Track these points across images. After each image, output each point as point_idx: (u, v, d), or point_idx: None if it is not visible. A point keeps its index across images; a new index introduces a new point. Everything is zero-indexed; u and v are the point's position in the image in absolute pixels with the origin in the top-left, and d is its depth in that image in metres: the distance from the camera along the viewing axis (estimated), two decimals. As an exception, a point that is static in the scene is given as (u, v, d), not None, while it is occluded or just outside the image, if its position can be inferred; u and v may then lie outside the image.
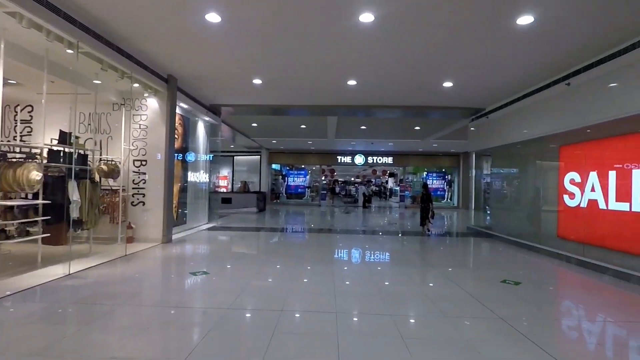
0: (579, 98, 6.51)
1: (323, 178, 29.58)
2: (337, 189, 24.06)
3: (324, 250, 7.78)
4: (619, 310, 4.33)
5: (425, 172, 23.91)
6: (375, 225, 13.51)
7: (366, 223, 14.03)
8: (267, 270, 5.75)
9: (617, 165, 6.02)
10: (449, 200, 23.54)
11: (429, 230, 10.34)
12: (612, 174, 6.14)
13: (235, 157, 22.64)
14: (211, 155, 11.16)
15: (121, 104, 7.80)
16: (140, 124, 7.94)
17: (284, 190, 23.94)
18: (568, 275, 6.11)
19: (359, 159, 22.49)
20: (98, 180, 6.90)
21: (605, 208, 6.27)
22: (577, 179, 6.96)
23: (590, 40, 5.38)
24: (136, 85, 7.14)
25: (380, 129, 14.72)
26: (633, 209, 5.68)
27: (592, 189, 6.57)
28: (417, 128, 13.97)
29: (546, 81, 7.32)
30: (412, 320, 3.80)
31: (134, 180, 7.83)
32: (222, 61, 6.89)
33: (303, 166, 28.05)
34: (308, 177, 23.65)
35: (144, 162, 7.88)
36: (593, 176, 6.56)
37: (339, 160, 22.73)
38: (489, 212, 18.06)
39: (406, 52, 6.16)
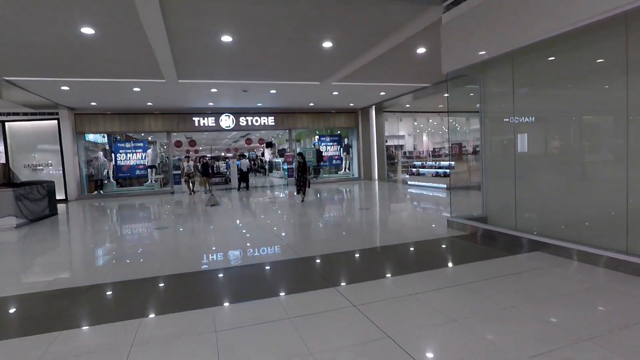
0: None
1: (187, 157, 21.20)
2: (209, 169, 15.38)
3: None
4: None
5: (317, 136, 18.43)
6: (276, 231, 7.29)
7: (253, 231, 7.70)
8: None
9: None
10: (347, 170, 18.75)
11: (302, 200, 10.29)
12: None
13: (6, 122, 13.08)
14: None
15: None
16: None
17: (110, 173, 15.32)
18: None
19: (227, 121, 15.54)
20: None
21: None
22: None
23: None
24: None
25: (260, 53, 8.10)
26: None
27: None
28: (328, 45, 7.81)
29: None
30: None
31: None
32: None
33: (146, 136, 19.47)
34: (150, 151, 15.41)
35: None
36: None
37: (197, 124, 15.31)
38: (409, 182, 13.71)
39: None
